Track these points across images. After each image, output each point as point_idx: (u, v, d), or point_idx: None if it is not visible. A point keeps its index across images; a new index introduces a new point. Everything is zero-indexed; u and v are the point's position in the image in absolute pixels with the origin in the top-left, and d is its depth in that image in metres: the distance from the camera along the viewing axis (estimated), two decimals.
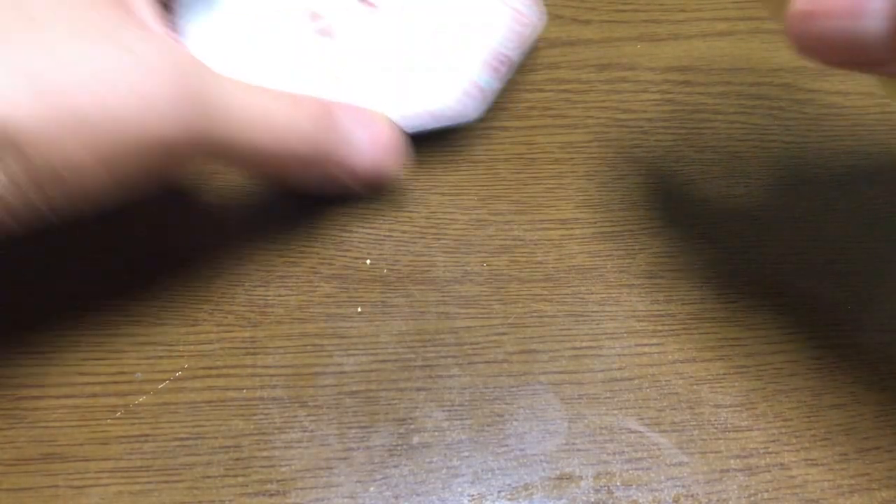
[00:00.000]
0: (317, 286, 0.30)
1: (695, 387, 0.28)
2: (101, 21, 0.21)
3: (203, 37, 0.31)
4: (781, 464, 0.26)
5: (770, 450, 0.27)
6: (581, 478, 0.26)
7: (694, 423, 0.27)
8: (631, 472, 0.26)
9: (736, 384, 0.28)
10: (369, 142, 0.28)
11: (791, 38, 0.21)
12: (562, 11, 0.41)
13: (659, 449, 0.27)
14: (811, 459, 0.26)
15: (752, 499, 0.26)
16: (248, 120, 0.23)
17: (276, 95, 0.25)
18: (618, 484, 0.26)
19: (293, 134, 0.25)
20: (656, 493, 0.26)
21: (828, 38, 0.20)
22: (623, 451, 0.27)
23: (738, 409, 0.27)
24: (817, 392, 0.28)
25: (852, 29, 0.19)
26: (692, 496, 0.26)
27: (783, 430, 0.27)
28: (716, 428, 0.27)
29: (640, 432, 0.27)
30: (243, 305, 0.29)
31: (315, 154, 0.26)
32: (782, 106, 0.36)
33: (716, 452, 0.26)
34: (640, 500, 0.26)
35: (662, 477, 0.26)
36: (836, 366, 0.28)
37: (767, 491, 0.26)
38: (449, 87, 0.31)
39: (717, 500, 0.26)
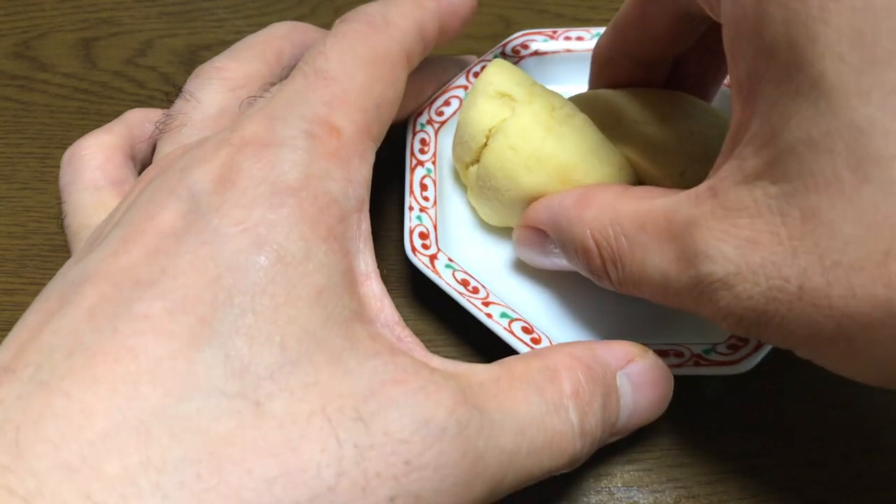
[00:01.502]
0: None
1: (697, 387, 0.28)
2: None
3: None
4: (783, 465, 0.26)
5: (771, 451, 0.26)
6: (581, 479, 0.26)
7: (694, 423, 0.27)
8: (632, 472, 0.26)
9: (737, 385, 0.28)
10: (644, 406, 0.23)
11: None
12: (562, 10, 0.41)
13: (660, 450, 0.26)
14: (813, 460, 0.26)
15: (754, 500, 0.25)
16: (522, 466, 0.20)
17: (549, 408, 0.20)
18: (618, 485, 0.26)
19: (565, 459, 0.21)
20: (657, 495, 0.26)
21: (540, 263, 0.27)
22: (624, 452, 0.26)
23: (740, 409, 0.27)
24: (819, 392, 0.28)
25: (548, 257, 0.26)
26: (693, 497, 0.26)
27: (784, 431, 0.27)
28: (717, 429, 0.27)
29: (641, 433, 0.27)
30: None
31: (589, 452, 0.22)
32: None
33: (717, 453, 0.26)
34: (641, 501, 0.25)
35: (663, 478, 0.26)
36: None
37: (769, 492, 0.26)
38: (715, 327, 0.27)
39: (719, 502, 0.25)
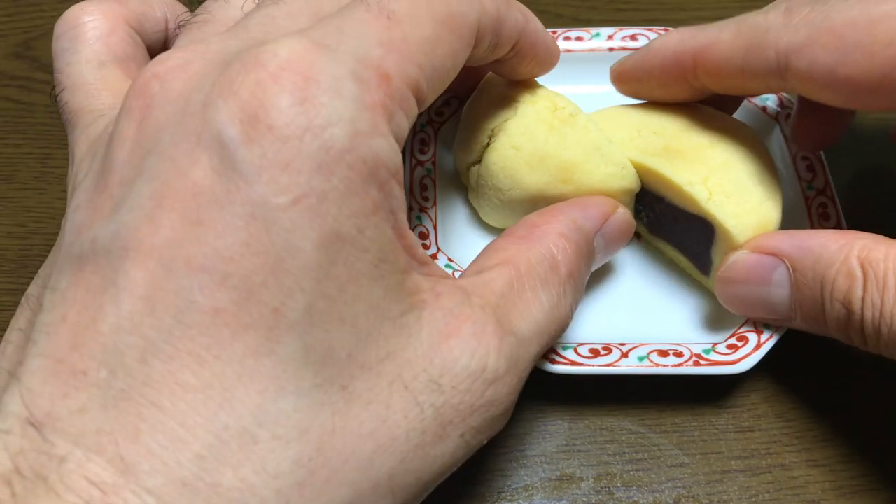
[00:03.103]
0: None
1: (697, 387, 0.28)
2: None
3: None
4: (783, 465, 0.26)
5: (771, 451, 0.26)
6: (581, 479, 0.26)
7: (695, 423, 0.27)
8: (631, 472, 0.26)
9: (737, 385, 0.28)
10: (612, 251, 0.27)
11: (718, 297, 0.26)
12: (562, 11, 0.41)
13: (660, 450, 0.26)
14: (813, 460, 0.26)
15: (753, 500, 0.25)
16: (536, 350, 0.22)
17: (553, 307, 0.23)
18: (618, 485, 0.26)
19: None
20: (657, 494, 0.26)
21: (744, 300, 0.26)
22: (623, 452, 0.26)
23: (740, 409, 0.27)
24: (819, 393, 0.28)
25: (761, 294, 0.25)
26: (693, 497, 0.26)
27: (784, 431, 0.27)
28: (717, 429, 0.27)
29: (641, 433, 0.27)
30: None
31: None
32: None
33: (717, 453, 0.26)
34: (641, 501, 0.25)
35: (663, 478, 0.26)
36: (838, 366, 0.28)
37: (769, 492, 0.26)
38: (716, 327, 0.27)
39: (718, 502, 0.25)
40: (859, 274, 0.22)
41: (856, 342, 0.23)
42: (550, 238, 0.23)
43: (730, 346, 0.26)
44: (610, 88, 0.30)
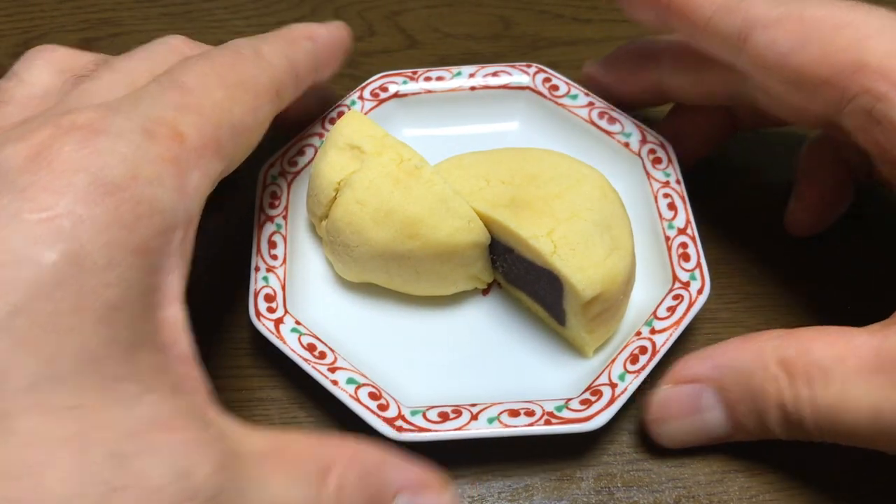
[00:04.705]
0: None
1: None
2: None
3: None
4: (783, 465, 0.26)
5: (771, 451, 0.26)
6: (582, 479, 0.26)
7: None
8: (631, 472, 0.26)
9: None
10: None
11: (654, 438, 0.26)
12: (562, 11, 0.41)
13: (660, 450, 0.26)
14: (813, 461, 0.26)
15: (753, 500, 0.25)
16: None
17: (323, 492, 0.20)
18: (618, 485, 0.26)
19: None
20: (657, 494, 0.26)
21: (681, 433, 0.25)
22: (624, 452, 0.26)
23: None
24: None
25: (696, 422, 0.25)
26: (693, 497, 0.26)
27: None
28: None
29: (641, 433, 0.27)
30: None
31: None
32: None
33: (717, 453, 0.26)
34: (641, 501, 0.25)
35: (663, 478, 0.26)
36: None
37: (769, 492, 0.26)
38: (572, 381, 0.27)
39: (718, 502, 0.25)
40: (783, 376, 0.23)
41: (805, 438, 0.23)
42: (340, 452, 0.20)
43: (583, 402, 0.25)
44: (471, 130, 0.30)
